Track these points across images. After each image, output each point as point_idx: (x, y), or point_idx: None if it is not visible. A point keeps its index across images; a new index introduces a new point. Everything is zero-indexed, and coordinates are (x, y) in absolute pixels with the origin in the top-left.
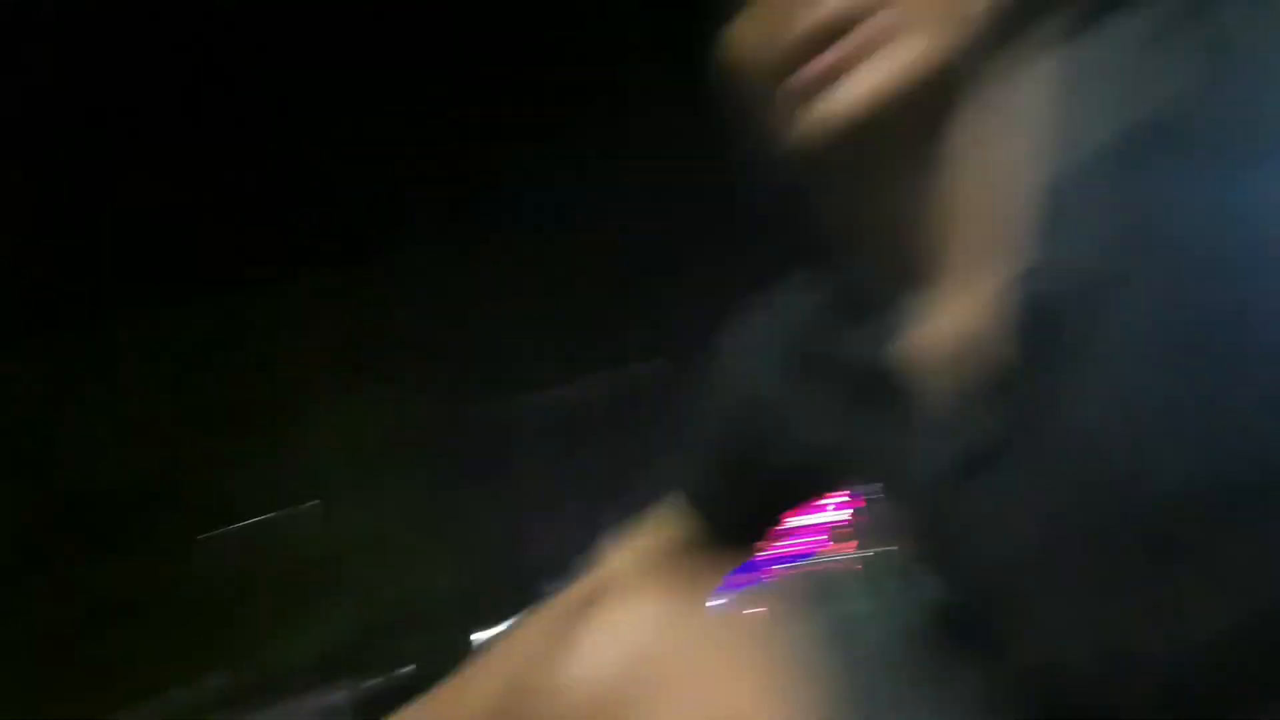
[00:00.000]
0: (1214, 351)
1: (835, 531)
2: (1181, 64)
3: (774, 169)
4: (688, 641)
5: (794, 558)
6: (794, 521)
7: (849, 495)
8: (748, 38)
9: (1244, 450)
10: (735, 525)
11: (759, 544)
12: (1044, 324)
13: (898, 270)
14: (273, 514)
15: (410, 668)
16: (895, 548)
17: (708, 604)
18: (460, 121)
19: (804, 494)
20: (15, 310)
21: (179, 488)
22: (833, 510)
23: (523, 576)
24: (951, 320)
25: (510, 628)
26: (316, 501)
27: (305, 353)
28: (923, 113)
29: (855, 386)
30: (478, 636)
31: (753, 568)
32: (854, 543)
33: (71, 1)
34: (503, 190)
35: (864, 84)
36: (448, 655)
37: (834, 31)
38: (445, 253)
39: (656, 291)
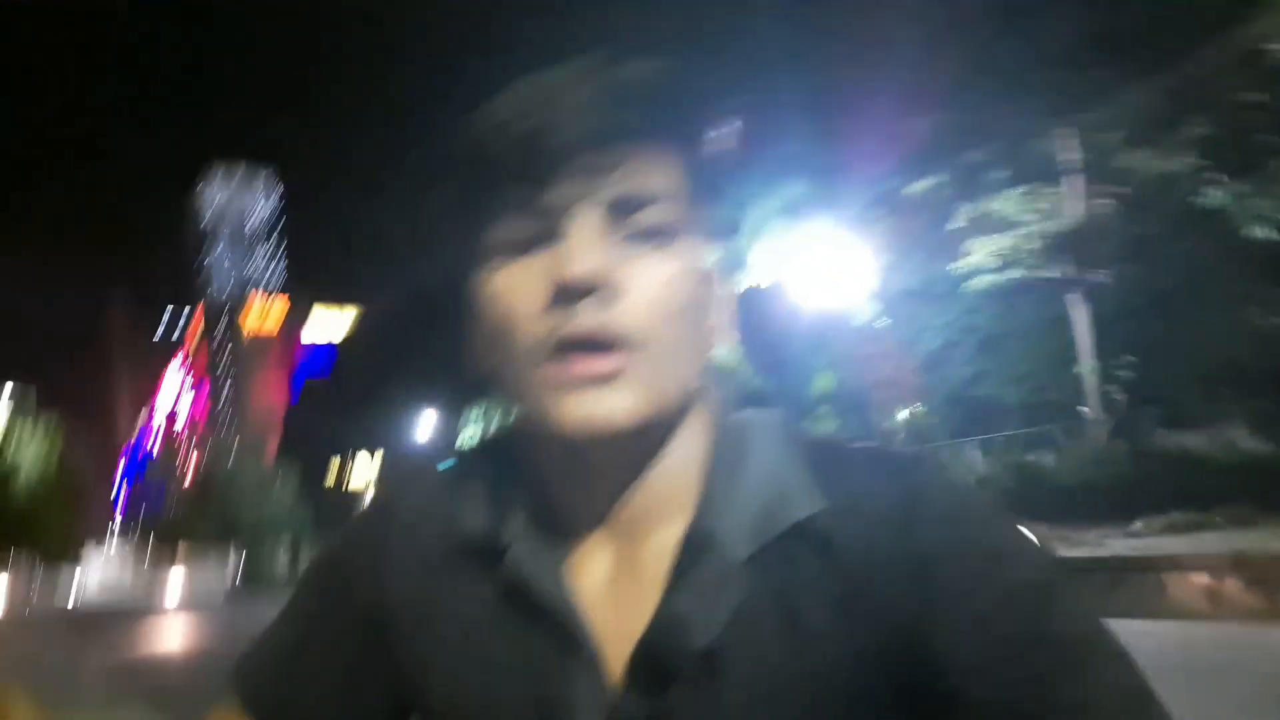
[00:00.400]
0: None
1: None
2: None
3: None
4: None
5: None
6: None
7: None
8: (513, 290)
9: None
10: None
11: None
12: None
13: (573, 517)
14: None
15: None
16: None
17: None
18: None
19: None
20: None
21: None
22: None
23: None
24: (605, 571)
25: None
26: None
27: None
28: (643, 432)
29: (509, 606)
30: None
31: None
32: None
33: None
34: None
35: (627, 398)
36: None
37: (591, 338)
38: None
39: None
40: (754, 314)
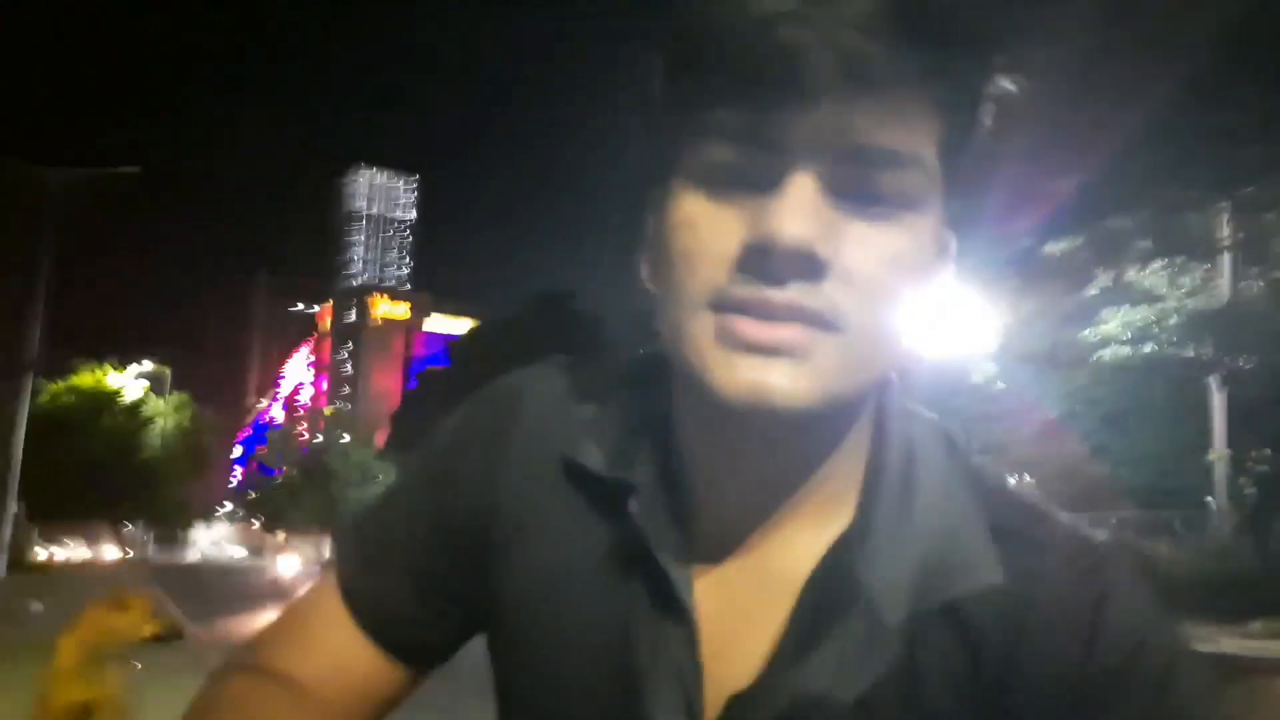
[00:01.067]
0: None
1: None
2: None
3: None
4: None
5: None
6: None
7: None
8: (708, 227)
9: None
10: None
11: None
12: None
13: (709, 488)
14: None
15: None
16: None
17: None
18: None
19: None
20: None
21: None
22: None
23: None
24: (727, 558)
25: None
26: None
27: None
28: (812, 421)
29: (618, 543)
30: None
31: None
32: None
33: None
34: None
35: (801, 382)
36: None
37: (784, 310)
38: None
39: None
40: None
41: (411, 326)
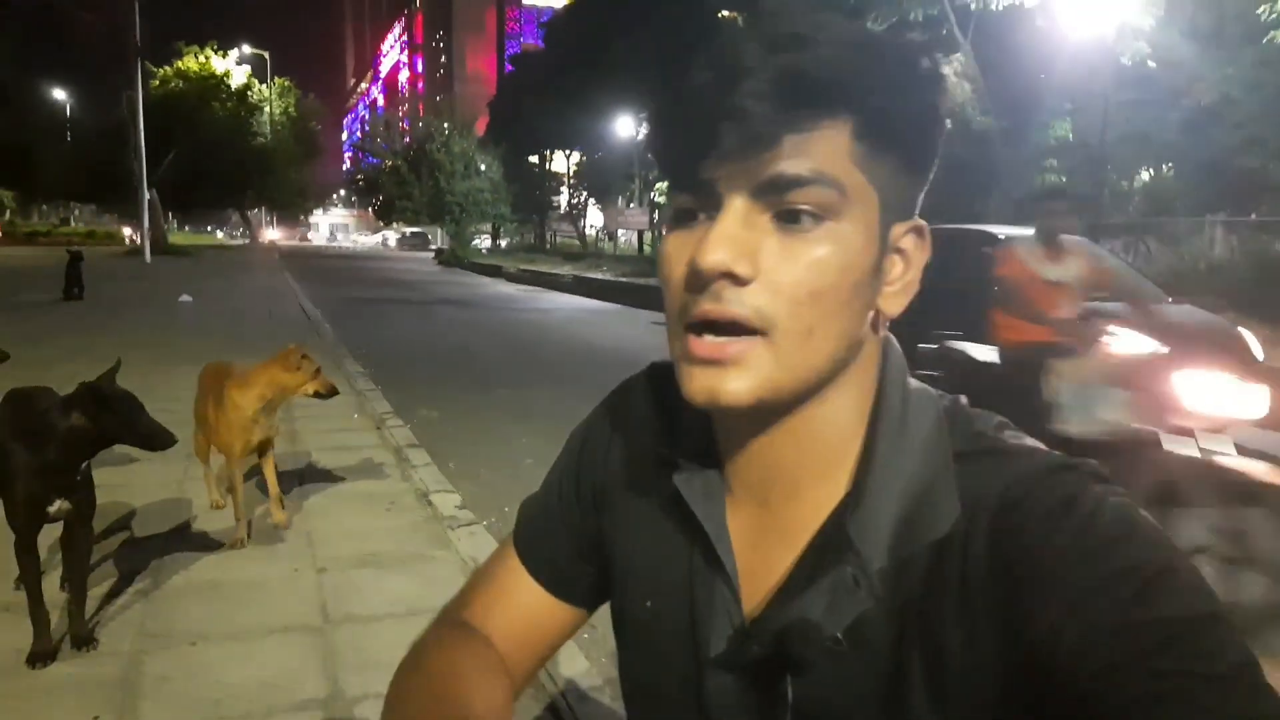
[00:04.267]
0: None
1: None
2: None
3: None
4: None
5: None
6: None
7: None
8: (671, 258)
9: None
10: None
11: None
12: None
13: (730, 457)
14: None
15: None
16: None
17: None
18: None
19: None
20: None
21: None
22: None
23: None
24: (752, 513)
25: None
26: None
27: None
28: (773, 407)
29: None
30: None
31: None
32: None
33: None
34: None
35: (739, 383)
36: None
37: (713, 322)
38: None
39: None
40: (994, 40)
41: (503, 1)
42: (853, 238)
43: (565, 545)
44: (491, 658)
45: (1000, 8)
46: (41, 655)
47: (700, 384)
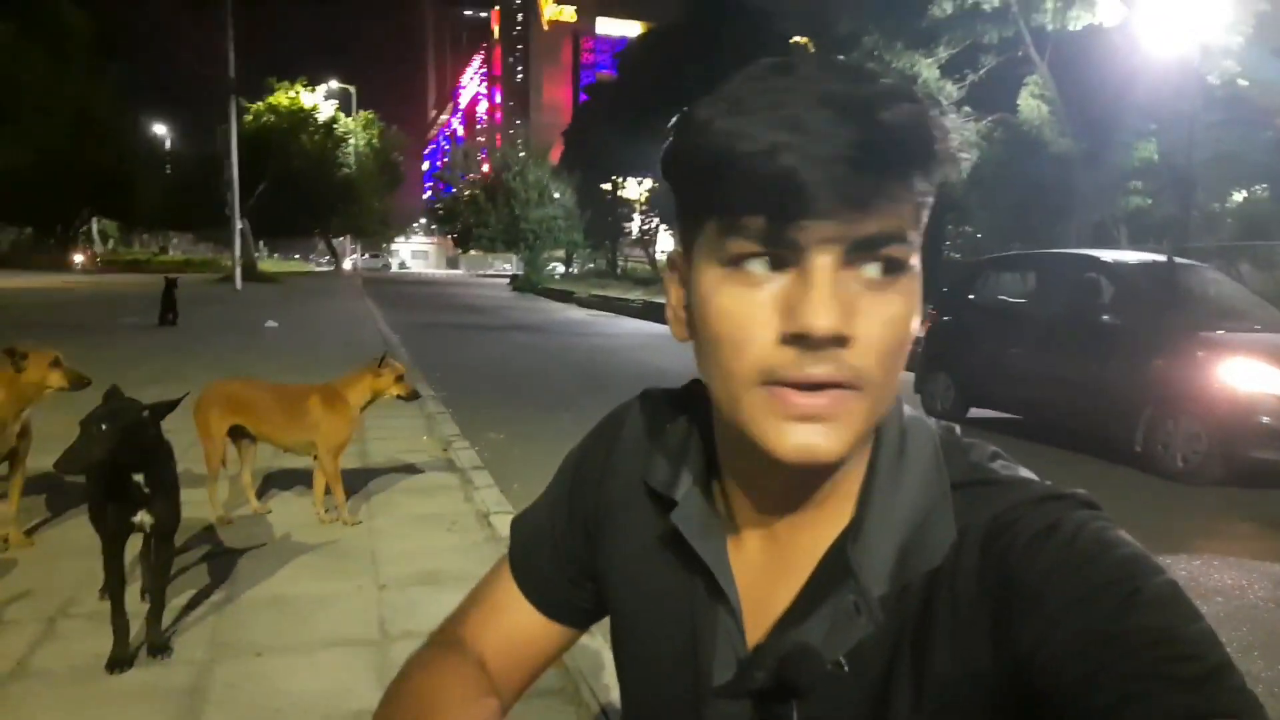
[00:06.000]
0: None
1: None
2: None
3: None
4: None
5: None
6: None
7: None
8: (745, 314)
9: None
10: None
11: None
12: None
13: (741, 494)
14: None
15: None
16: None
17: None
18: None
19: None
20: None
21: None
22: None
23: None
24: (756, 545)
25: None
26: None
27: None
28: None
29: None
30: None
31: None
32: None
33: None
34: None
35: (837, 440)
36: None
37: (823, 383)
38: None
39: None
40: (1072, 61)
41: (579, 30)
42: (917, 287)
43: (556, 569)
44: (480, 682)
45: (1078, 27)
46: (120, 661)
47: (798, 441)
